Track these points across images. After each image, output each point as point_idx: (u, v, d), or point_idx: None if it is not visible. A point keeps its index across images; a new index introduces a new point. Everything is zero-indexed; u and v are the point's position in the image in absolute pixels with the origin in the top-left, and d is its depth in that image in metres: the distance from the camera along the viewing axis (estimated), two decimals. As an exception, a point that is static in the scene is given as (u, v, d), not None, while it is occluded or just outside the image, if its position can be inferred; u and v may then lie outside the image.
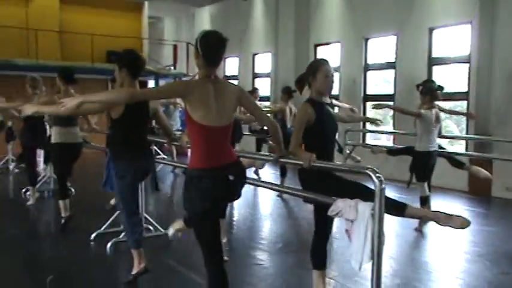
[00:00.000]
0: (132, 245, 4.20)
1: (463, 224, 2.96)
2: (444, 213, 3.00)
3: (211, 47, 2.85)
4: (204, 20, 17.17)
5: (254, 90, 9.73)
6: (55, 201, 6.98)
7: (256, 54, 14.76)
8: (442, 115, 6.93)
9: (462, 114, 8.41)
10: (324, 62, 3.50)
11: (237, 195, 3.04)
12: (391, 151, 6.86)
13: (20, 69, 12.89)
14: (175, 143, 4.47)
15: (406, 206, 3.04)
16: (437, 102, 6.70)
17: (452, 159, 6.41)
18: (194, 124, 2.83)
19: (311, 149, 3.42)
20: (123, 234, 4.90)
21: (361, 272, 4.13)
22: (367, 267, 2.70)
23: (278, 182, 7.66)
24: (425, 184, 5.96)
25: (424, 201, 5.95)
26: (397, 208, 3.04)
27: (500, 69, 8.27)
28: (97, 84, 14.59)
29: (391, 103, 10.39)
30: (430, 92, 5.91)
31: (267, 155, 3.94)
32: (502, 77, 8.23)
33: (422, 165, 5.96)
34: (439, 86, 6.20)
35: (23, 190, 7.82)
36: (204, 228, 2.93)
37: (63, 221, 5.87)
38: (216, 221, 2.97)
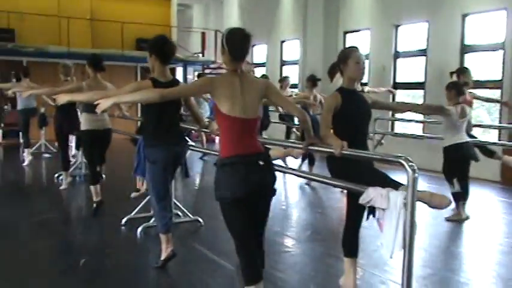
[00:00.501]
0: (161, 230, 4.26)
1: (442, 201, 2.89)
2: (428, 191, 2.94)
3: (237, 44, 2.94)
4: (233, 7, 17.14)
5: (284, 79, 9.69)
6: (86, 186, 7.13)
7: (284, 41, 14.68)
8: (476, 103, 6.80)
9: (498, 101, 8.21)
10: (354, 49, 3.54)
11: (271, 185, 3.03)
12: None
13: (52, 56, 13.14)
14: (205, 130, 4.51)
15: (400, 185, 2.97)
16: (473, 90, 6.59)
17: (484, 148, 6.28)
18: (223, 115, 2.94)
19: (340, 136, 3.42)
20: (153, 219, 4.97)
21: (390, 261, 4.13)
22: (397, 257, 2.69)
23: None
24: (455, 180, 5.79)
25: (457, 197, 5.78)
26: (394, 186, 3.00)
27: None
28: (126, 71, 14.77)
29: (422, 91, 10.27)
30: (455, 87, 5.82)
31: (297, 142, 3.93)
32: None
33: (450, 161, 5.83)
34: (465, 82, 6.17)
35: (56, 175, 8.00)
36: (235, 216, 2.95)
37: (94, 205, 5.99)
38: (248, 210, 2.96)
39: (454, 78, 6.69)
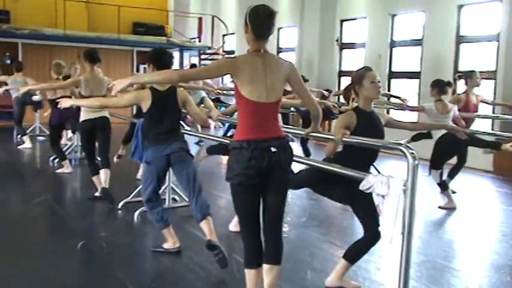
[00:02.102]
0: (158, 226, 4.30)
1: None
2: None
3: (260, 20, 2.84)
4: (230, -8, 17.07)
5: None
6: (82, 169, 7.15)
7: (281, 28, 14.64)
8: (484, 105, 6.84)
9: (506, 105, 8.06)
10: (368, 68, 3.53)
11: (284, 171, 2.95)
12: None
13: (48, 38, 13.06)
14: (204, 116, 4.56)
15: None
16: (479, 93, 6.63)
17: (484, 142, 6.20)
18: (242, 98, 2.87)
19: (350, 156, 3.45)
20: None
21: (386, 248, 4.20)
22: (393, 244, 2.75)
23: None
24: (437, 172, 5.96)
25: (443, 187, 6.00)
26: None
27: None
28: (122, 54, 14.69)
29: (417, 81, 10.32)
30: (438, 86, 6.00)
31: (299, 129, 3.95)
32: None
33: (439, 151, 5.96)
34: (448, 81, 6.36)
35: (51, 158, 8.00)
36: (241, 200, 2.95)
37: (97, 194, 5.98)
38: (257, 196, 2.94)
39: (461, 82, 6.78)
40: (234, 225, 4.92)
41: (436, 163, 5.99)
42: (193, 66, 12.73)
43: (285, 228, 5.21)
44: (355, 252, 3.57)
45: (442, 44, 9.63)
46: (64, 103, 4.25)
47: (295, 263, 4.19)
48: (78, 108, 5.95)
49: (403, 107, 7.38)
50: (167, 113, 4.12)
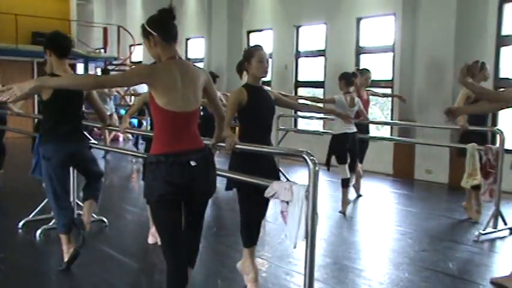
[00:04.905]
0: (61, 230, 4.13)
1: None
2: None
3: (163, 21, 2.74)
4: (136, 3, 16.81)
5: None
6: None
7: (189, 38, 14.64)
8: (372, 101, 7.38)
9: (393, 96, 8.83)
10: (258, 47, 3.69)
11: (207, 185, 2.86)
12: None
13: None
14: (111, 127, 4.43)
15: None
16: (370, 88, 7.23)
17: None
18: (159, 109, 2.70)
19: (245, 131, 3.68)
20: (53, 221, 4.79)
21: (294, 253, 4.32)
22: (300, 249, 2.84)
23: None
24: (346, 166, 6.20)
25: (346, 183, 6.24)
26: None
27: (422, 58, 8.71)
28: (21, 66, 13.95)
29: (321, 90, 10.74)
30: (345, 78, 6.29)
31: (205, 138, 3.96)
32: (423, 66, 8.68)
33: (339, 147, 6.21)
34: (353, 72, 6.78)
35: None
36: (162, 217, 2.79)
37: None
38: (178, 212, 2.82)
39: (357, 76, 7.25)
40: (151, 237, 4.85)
41: (340, 157, 6.21)
42: (105, 71, 12.36)
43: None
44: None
45: (343, 54, 10.10)
46: None
47: (206, 273, 4.20)
48: None
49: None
50: (70, 103, 3.99)
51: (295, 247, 2.80)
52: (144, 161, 2.87)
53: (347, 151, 6.23)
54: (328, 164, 6.28)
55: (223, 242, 5.11)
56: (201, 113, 7.78)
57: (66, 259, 4.13)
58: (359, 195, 7.18)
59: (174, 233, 2.80)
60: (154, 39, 2.73)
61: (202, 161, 2.78)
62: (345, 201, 6.26)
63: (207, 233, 5.38)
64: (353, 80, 6.39)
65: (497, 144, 5.49)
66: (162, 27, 2.74)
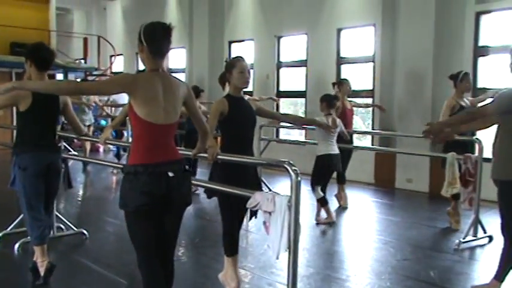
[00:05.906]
0: (34, 241, 4.05)
1: None
2: None
3: (156, 37, 2.75)
4: (117, 13, 16.73)
5: None
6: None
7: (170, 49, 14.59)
8: (355, 111, 7.50)
9: (373, 106, 8.91)
10: (239, 58, 3.75)
11: (184, 196, 2.86)
12: None
13: None
14: (86, 138, 4.39)
15: None
16: (351, 99, 7.33)
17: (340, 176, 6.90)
18: (139, 120, 2.70)
19: (227, 141, 3.73)
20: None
21: (277, 264, 4.31)
22: (283, 260, 2.84)
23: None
24: (319, 188, 6.18)
25: (323, 202, 6.19)
26: None
27: (401, 68, 8.83)
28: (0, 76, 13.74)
29: (303, 99, 10.79)
30: (326, 100, 6.28)
31: (187, 150, 3.95)
32: (403, 76, 8.79)
33: (322, 168, 6.19)
34: (335, 95, 6.80)
35: None
36: (138, 228, 2.77)
37: None
38: (155, 223, 2.80)
39: (336, 88, 7.36)
40: None
41: (315, 179, 6.23)
42: (85, 80, 12.27)
43: (179, 251, 5.16)
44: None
45: (324, 64, 10.18)
46: None
47: (188, 284, 4.16)
48: None
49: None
50: (46, 113, 3.96)
51: (277, 258, 2.80)
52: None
53: (329, 173, 6.30)
54: (313, 187, 6.23)
55: (205, 253, 5.07)
56: (186, 125, 7.81)
57: (42, 273, 4.05)
58: (342, 206, 7.20)
59: (150, 244, 2.80)
60: (143, 47, 2.77)
61: (179, 172, 2.81)
62: (330, 213, 6.23)
63: (189, 244, 5.36)
64: (335, 102, 6.40)
65: (476, 153, 5.56)
66: (153, 42, 2.77)
